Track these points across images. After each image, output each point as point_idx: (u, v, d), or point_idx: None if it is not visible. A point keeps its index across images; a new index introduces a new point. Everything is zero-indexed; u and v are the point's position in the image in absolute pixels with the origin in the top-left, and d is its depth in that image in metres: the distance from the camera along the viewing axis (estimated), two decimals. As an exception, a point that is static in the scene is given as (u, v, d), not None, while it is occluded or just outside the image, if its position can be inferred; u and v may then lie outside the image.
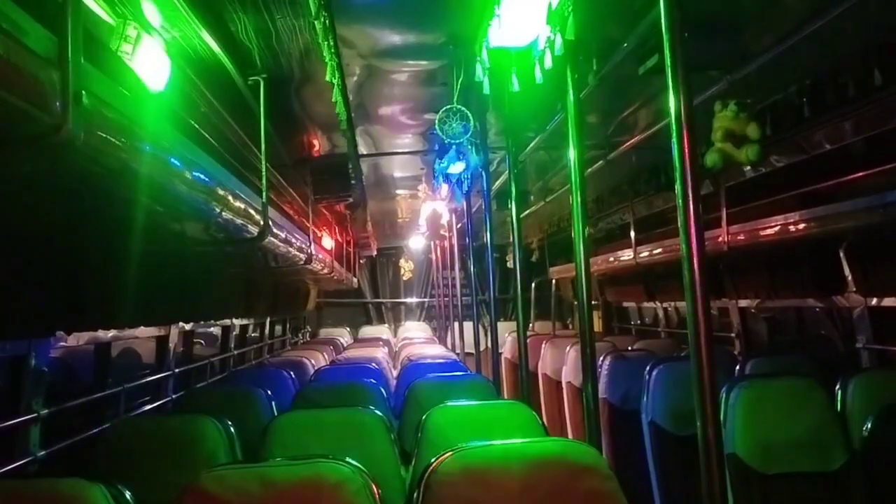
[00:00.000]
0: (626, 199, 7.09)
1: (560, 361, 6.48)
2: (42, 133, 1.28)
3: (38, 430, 3.31)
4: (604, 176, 6.28)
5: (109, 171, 1.74)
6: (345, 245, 10.76)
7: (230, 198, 2.84)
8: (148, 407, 4.99)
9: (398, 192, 8.80)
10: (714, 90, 3.64)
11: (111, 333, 4.11)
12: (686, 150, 1.95)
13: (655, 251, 6.65)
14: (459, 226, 9.00)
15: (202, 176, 2.45)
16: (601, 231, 8.38)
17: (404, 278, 15.07)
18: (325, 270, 7.69)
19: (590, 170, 5.64)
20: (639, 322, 9.62)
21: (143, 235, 2.78)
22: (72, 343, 3.80)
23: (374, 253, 14.14)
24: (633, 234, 7.07)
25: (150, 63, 2.41)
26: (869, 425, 3.12)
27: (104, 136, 1.59)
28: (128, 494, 2.14)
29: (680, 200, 1.96)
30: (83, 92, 1.36)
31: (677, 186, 1.97)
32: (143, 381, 5.07)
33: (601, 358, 4.98)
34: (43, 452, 3.33)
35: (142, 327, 4.58)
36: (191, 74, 3.07)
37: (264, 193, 3.63)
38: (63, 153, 1.39)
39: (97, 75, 1.58)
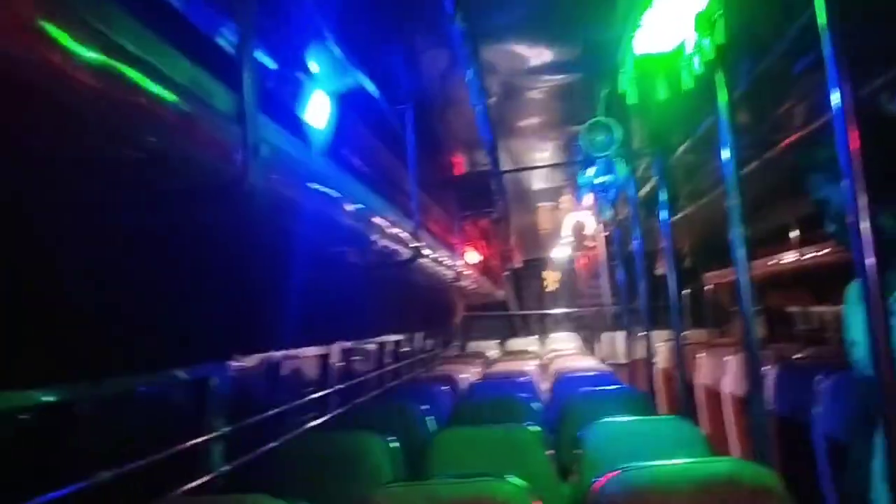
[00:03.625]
0: (786, 198, 6.69)
1: (719, 371, 6.19)
2: (227, 184, 1.41)
3: (220, 447, 3.56)
4: (761, 176, 5.97)
5: (280, 210, 1.87)
6: (489, 259, 10.86)
7: (385, 225, 2.96)
8: (314, 423, 5.24)
9: (540, 204, 8.78)
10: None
11: (280, 354, 4.36)
12: (853, 146, 1.83)
13: (822, 252, 6.22)
14: (605, 234, 8.86)
15: (360, 206, 2.57)
16: (760, 232, 7.95)
17: (549, 289, 14.97)
18: (472, 285, 7.79)
19: (745, 170, 5.37)
20: (806, 328, 9.02)
21: (307, 264, 2.94)
22: (246, 365, 4.06)
23: (518, 265, 14.16)
24: (796, 234, 6.66)
25: (311, 103, 2.57)
26: None
27: (277, 179, 1.71)
28: None
29: (849, 198, 1.84)
30: (261, 143, 1.48)
31: (846, 184, 1.86)
32: (309, 398, 5.32)
33: (767, 367, 4.72)
34: (226, 468, 3.56)
35: (306, 348, 4.83)
36: (344, 108, 3.23)
37: (415, 216, 3.75)
38: (244, 201, 1.51)
39: (269, 124, 1.71)
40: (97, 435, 2.88)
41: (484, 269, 9.84)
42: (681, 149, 5.16)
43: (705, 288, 10.45)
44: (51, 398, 2.40)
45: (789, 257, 6.84)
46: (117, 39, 1.09)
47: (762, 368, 4.53)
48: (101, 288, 2.04)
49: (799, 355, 6.17)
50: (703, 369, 6.88)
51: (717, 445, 5.22)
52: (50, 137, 1.07)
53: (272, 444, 4.18)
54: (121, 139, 1.18)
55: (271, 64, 2.52)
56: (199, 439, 3.42)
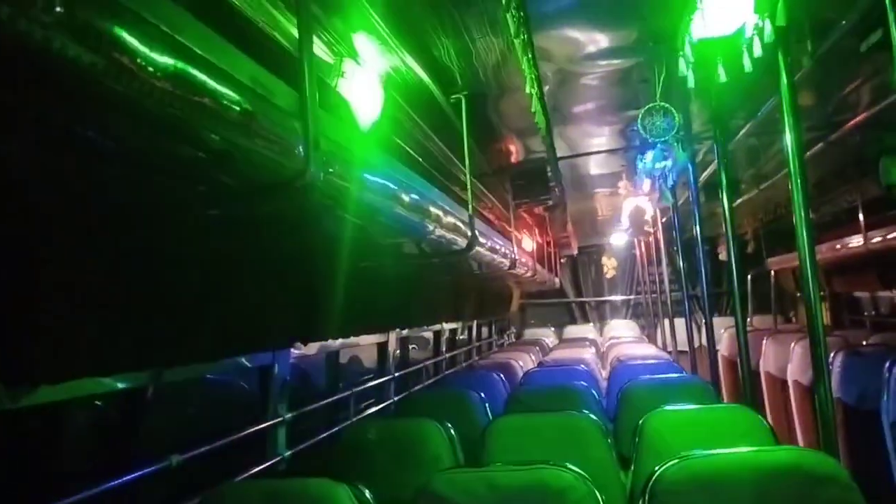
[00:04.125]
0: (852, 181, 6.49)
1: (784, 358, 6.05)
2: (289, 179, 1.45)
3: (284, 432, 3.66)
4: (824, 158, 5.79)
5: (338, 202, 1.91)
6: (545, 246, 10.80)
7: (441, 214, 2.99)
8: (372, 409, 5.33)
9: (597, 190, 8.68)
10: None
11: (339, 342, 4.44)
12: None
13: (891, 235, 6.02)
14: (665, 220, 8.72)
15: (416, 196, 2.61)
16: (825, 216, 7.72)
17: (607, 276, 14.82)
18: (528, 273, 7.77)
19: (809, 153, 5.23)
20: (873, 313, 8.74)
21: (364, 254, 3.00)
22: (306, 352, 4.16)
23: (575, 252, 14.03)
24: (862, 217, 6.45)
25: (364, 95, 2.61)
26: None
27: (335, 170, 1.75)
28: (367, 494, 2.29)
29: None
30: (320, 137, 1.52)
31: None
32: (369, 385, 5.42)
33: (832, 354, 4.60)
34: (289, 453, 3.67)
35: (364, 335, 4.91)
36: (399, 99, 3.26)
37: (470, 206, 3.77)
38: (304, 194, 1.56)
39: (328, 118, 1.75)
40: (167, 421, 3.00)
41: (540, 256, 9.80)
42: (742, 132, 5.05)
43: (769, 273, 10.21)
44: (124, 385, 2.51)
45: (856, 241, 6.63)
46: (184, 41, 1.14)
47: (828, 355, 4.42)
48: (170, 278, 2.12)
49: (866, 342, 6.00)
50: (768, 357, 6.73)
51: (781, 435, 5.11)
52: (123, 139, 1.13)
53: (333, 430, 4.28)
54: (187, 138, 1.23)
55: (328, 58, 2.57)
56: (263, 425, 3.53)
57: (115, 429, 2.80)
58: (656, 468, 2.25)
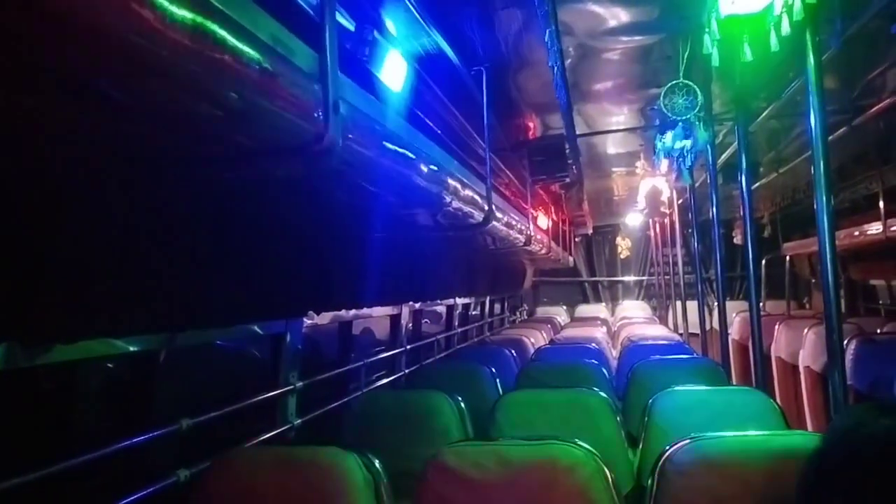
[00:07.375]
0: (873, 167, 6.40)
1: (797, 344, 6.03)
2: (307, 142, 1.43)
3: (294, 400, 3.68)
4: (847, 143, 5.71)
5: (356, 170, 1.90)
6: (560, 224, 10.75)
7: (459, 187, 2.97)
8: (383, 381, 5.35)
9: (614, 169, 8.61)
10: None
11: (352, 313, 4.45)
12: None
13: (911, 224, 5.94)
14: (681, 201, 8.64)
15: (434, 167, 2.58)
16: (844, 202, 7.63)
17: (621, 256, 14.76)
18: (542, 250, 7.74)
19: (831, 137, 5.15)
20: (889, 302, 8.67)
21: (380, 225, 2.98)
22: (318, 322, 4.17)
23: (590, 231, 13.96)
24: (882, 205, 6.37)
25: (385, 62, 2.58)
26: None
27: (354, 136, 1.73)
28: (377, 463, 2.29)
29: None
30: (340, 101, 1.50)
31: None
32: (380, 356, 5.44)
33: (847, 341, 4.57)
34: (299, 420, 3.69)
35: (377, 307, 4.91)
36: (419, 69, 3.23)
37: (488, 180, 3.74)
38: (322, 159, 1.54)
39: (348, 83, 1.73)
40: (179, 385, 3.02)
41: (555, 234, 9.76)
42: (764, 114, 4.98)
43: (784, 258, 10.13)
44: (137, 348, 2.52)
45: (875, 229, 6.55)
46: (204, -4, 1.12)
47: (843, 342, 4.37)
48: (184, 242, 2.12)
49: (881, 330, 5.95)
50: (780, 342, 6.70)
51: (791, 420, 5.09)
52: (140, 94, 1.11)
53: (343, 400, 4.30)
54: (205, 96, 1.21)
55: (349, 25, 2.54)
56: (274, 392, 3.55)
57: (127, 392, 2.82)
58: (667, 448, 2.24)
